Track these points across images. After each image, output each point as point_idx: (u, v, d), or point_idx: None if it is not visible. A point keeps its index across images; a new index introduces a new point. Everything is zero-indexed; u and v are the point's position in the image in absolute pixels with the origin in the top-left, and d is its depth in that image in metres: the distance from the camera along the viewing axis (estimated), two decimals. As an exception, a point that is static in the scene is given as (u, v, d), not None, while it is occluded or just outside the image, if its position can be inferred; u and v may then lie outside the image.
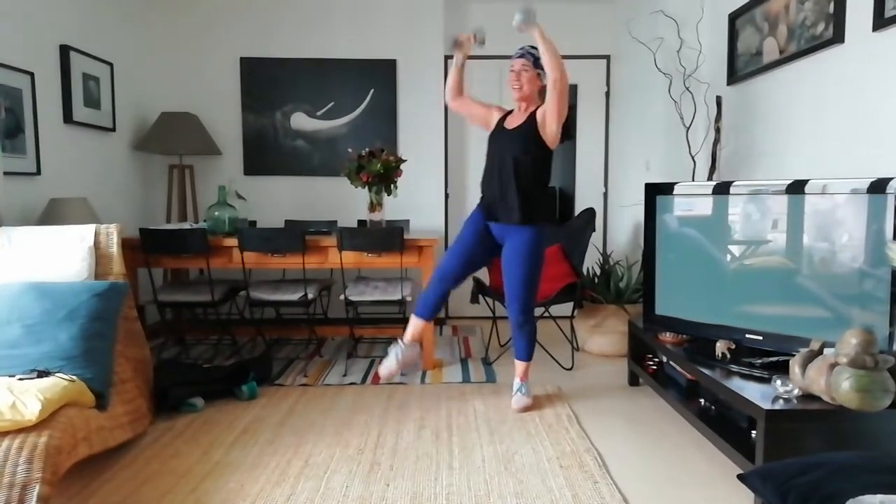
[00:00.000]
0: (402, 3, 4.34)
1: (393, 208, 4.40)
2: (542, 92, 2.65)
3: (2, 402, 1.73)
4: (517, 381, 2.76)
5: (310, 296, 3.32)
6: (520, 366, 2.76)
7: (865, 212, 1.94)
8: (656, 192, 2.63)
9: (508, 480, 2.04)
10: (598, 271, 3.90)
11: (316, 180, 4.43)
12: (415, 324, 2.77)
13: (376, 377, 3.19)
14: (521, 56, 2.62)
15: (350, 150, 4.14)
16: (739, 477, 1.44)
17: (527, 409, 2.68)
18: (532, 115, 2.62)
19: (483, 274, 4.00)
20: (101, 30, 3.69)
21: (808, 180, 2.10)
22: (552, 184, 5.76)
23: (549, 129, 2.58)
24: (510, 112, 2.76)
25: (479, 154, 4.58)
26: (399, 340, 2.79)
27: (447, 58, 4.49)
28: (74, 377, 2.02)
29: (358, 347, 3.84)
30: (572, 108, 4.74)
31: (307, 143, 4.39)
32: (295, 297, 3.31)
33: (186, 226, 3.46)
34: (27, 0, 3.05)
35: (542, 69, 2.58)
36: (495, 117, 2.76)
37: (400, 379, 3.16)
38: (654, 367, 2.81)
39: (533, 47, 2.62)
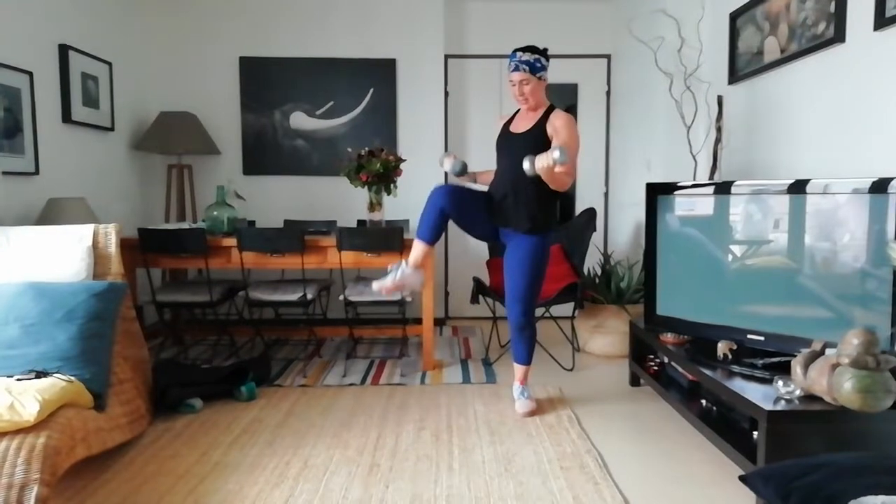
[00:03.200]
0: (402, 3, 4.33)
1: (393, 208, 4.39)
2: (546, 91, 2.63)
3: (0, 403, 1.73)
4: (518, 386, 2.74)
5: (309, 296, 3.31)
6: (519, 370, 2.74)
7: (867, 212, 1.93)
8: (657, 192, 2.62)
9: (509, 482, 2.03)
10: (598, 271, 3.89)
11: (315, 180, 4.42)
12: (416, 246, 2.57)
13: (376, 378, 3.19)
14: (517, 69, 2.52)
15: (350, 149, 4.14)
16: (741, 478, 1.44)
17: (532, 412, 2.65)
18: (542, 121, 2.56)
19: (483, 274, 3.99)
20: (99, 29, 3.68)
21: (809, 180, 2.10)
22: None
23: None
24: (514, 114, 2.71)
25: (480, 154, 4.58)
26: (402, 262, 2.59)
27: (447, 57, 4.49)
28: (73, 378, 2.02)
29: (357, 348, 3.83)
30: (573, 108, 4.74)
31: (306, 142, 4.38)
32: (294, 297, 3.30)
33: (185, 226, 3.45)
34: (25, -1, 3.04)
35: (544, 69, 2.55)
36: (506, 118, 2.74)
37: (399, 380, 3.16)
38: (656, 368, 2.81)
39: (525, 52, 2.51)
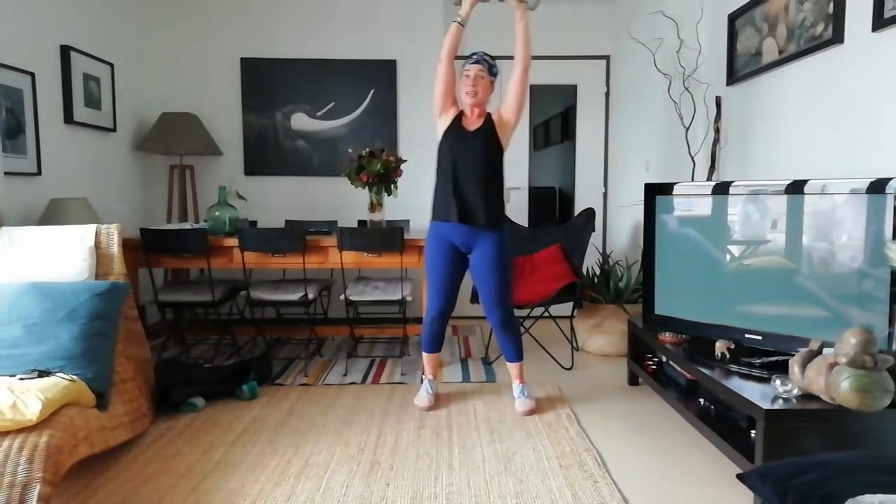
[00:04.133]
0: (403, 4, 4.34)
1: (393, 208, 4.40)
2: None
3: (2, 402, 1.74)
4: (517, 385, 2.75)
5: (310, 296, 3.32)
6: (514, 368, 2.76)
7: (865, 212, 1.94)
8: (656, 193, 2.63)
9: (508, 480, 2.04)
10: (597, 271, 3.90)
11: (316, 180, 4.44)
12: (429, 359, 2.84)
13: (377, 377, 3.20)
14: (478, 62, 2.61)
15: (350, 150, 4.15)
16: (739, 476, 1.45)
17: (532, 411, 2.66)
18: (488, 119, 2.65)
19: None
20: (101, 30, 3.69)
21: (807, 180, 2.11)
22: (551, 184, 5.76)
23: (510, 121, 2.65)
24: (461, 113, 2.71)
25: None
26: (423, 376, 2.85)
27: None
28: (75, 377, 2.02)
29: (358, 347, 3.84)
30: (571, 108, 4.75)
31: (307, 143, 4.40)
32: (295, 296, 3.31)
33: (187, 226, 3.46)
34: (28, 0, 3.05)
35: (495, 76, 2.66)
36: (451, 113, 2.69)
37: (400, 379, 3.17)
38: (654, 367, 2.82)
39: (487, 54, 2.64)
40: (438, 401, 2.80)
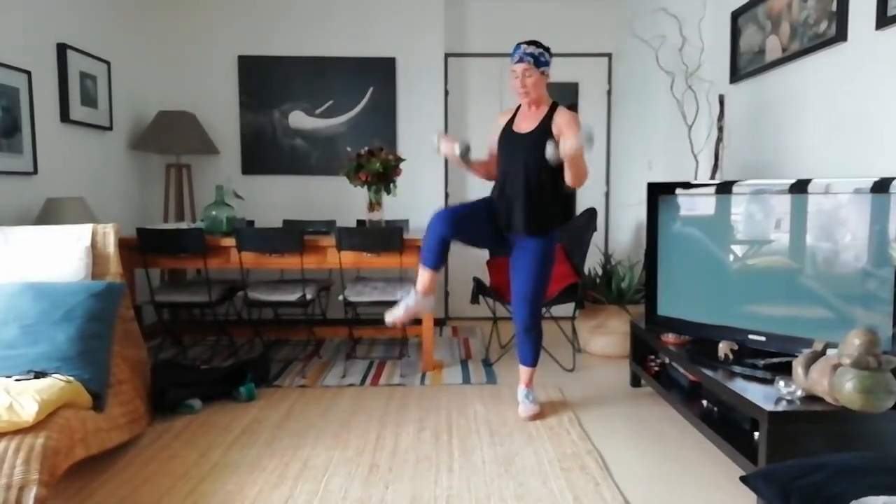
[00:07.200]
0: (402, 1, 4.32)
1: (392, 208, 4.38)
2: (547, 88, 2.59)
3: (-2, 404, 1.72)
4: (523, 388, 2.71)
5: (308, 296, 3.31)
6: (525, 372, 2.71)
7: (869, 211, 1.93)
8: (659, 192, 2.61)
9: (509, 483, 2.03)
10: (599, 272, 3.88)
11: (314, 179, 4.42)
12: (423, 274, 2.55)
13: (375, 379, 3.18)
14: (521, 61, 2.48)
15: (349, 148, 4.13)
16: (742, 479, 1.44)
17: (535, 416, 2.62)
18: (546, 121, 2.52)
19: (483, 274, 3.98)
20: (98, 28, 3.67)
21: (811, 180, 2.10)
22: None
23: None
24: (517, 111, 2.64)
25: (479, 153, 4.57)
26: (412, 289, 2.59)
27: (447, 55, 4.48)
28: (71, 378, 2.02)
29: (357, 348, 3.83)
30: (573, 106, 4.73)
31: (306, 141, 4.38)
32: (293, 297, 3.30)
33: (184, 225, 3.44)
34: (24, -2, 3.04)
35: (547, 64, 2.52)
36: (507, 114, 2.64)
37: (399, 380, 3.15)
38: (657, 369, 2.80)
39: (532, 45, 2.49)
40: (410, 322, 2.60)
